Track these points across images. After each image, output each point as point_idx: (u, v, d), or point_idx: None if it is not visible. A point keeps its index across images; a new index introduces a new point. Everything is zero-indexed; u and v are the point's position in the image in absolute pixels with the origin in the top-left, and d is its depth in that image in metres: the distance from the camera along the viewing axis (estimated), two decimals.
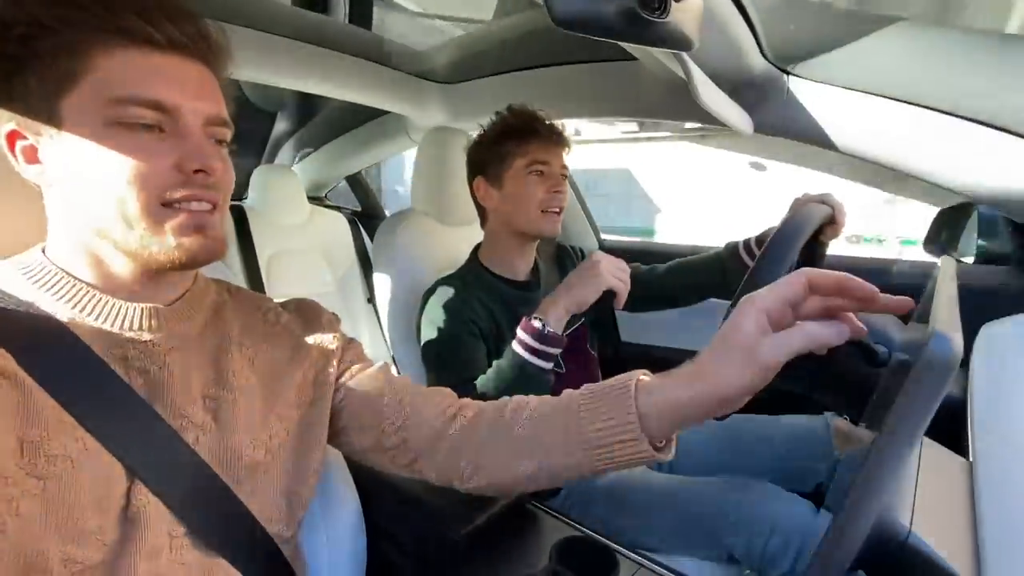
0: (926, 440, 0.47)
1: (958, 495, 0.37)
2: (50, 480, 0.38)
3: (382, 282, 1.08)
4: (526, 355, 0.70)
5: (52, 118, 0.41)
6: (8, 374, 0.39)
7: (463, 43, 1.27)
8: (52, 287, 0.44)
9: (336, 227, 1.89)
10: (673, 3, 0.43)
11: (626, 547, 0.65)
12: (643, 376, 0.44)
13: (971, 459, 0.42)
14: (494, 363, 0.74)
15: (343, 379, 0.57)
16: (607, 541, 0.67)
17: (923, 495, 0.35)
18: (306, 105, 1.93)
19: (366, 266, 1.93)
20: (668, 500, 0.76)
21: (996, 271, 0.93)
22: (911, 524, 0.32)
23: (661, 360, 1.36)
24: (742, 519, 0.68)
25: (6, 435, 0.37)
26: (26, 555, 0.37)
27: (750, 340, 0.35)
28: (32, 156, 0.43)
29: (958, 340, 0.24)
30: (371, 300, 1.96)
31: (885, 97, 0.80)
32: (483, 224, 1.01)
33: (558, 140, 0.92)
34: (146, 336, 0.45)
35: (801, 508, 0.69)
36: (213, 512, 0.46)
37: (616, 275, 0.75)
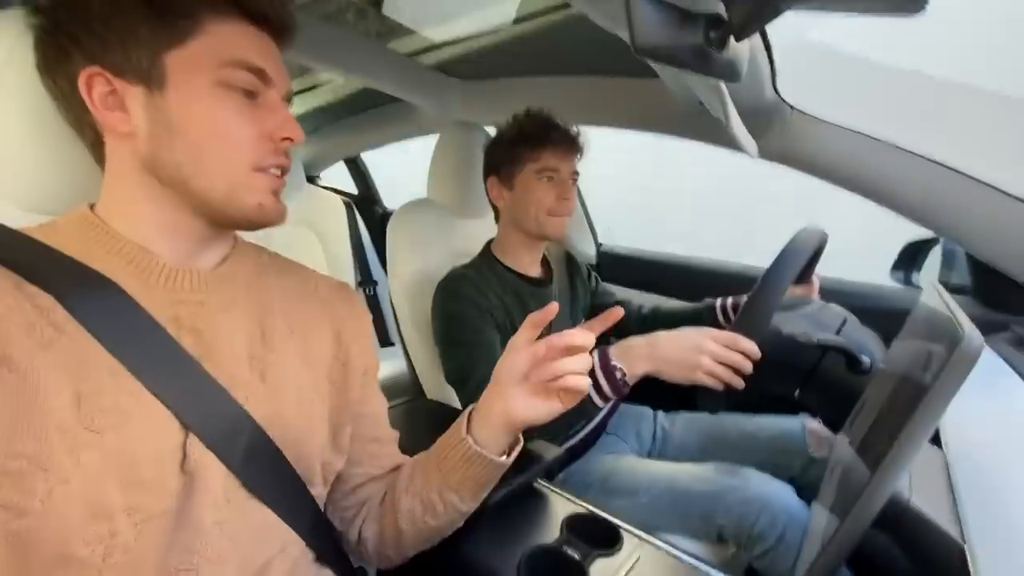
0: None
1: (937, 476, 0.45)
2: (106, 432, 0.39)
3: (396, 268, 1.10)
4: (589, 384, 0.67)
5: (155, 69, 0.42)
6: (62, 328, 0.39)
7: (486, 42, 1.31)
8: (105, 245, 0.44)
9: (332, 209, 1.88)
10: (732, 41, 0.50)
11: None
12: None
13: (944, 451, 0.51)
14: None
15: (361, 397, 0.59)
16: (611, 517, 0.73)
17: (913, 473, 0.43)
18: (309, 86, 1.91)
19: (359, 251, 1.93)
20: (663, 483, 0.83)
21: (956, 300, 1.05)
22: (911, 494, 0.40)
23: None
24: (734, 501, 0.76)
25: (63, 388, 0.38)
26: (91, 504, 0.37)
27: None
28: (114, 103, 0.43)
29: (979, 341, 0.31)
30: (361, 284, 1.96)
31: (879, 140, 0.90)
32: (497, 220, 1.05)
33: (571, 147, 0.95)
34: (197, 297, 0.47)
35: (787, 492, 0.77)
36: (264, 469, 0.47)
37: (714, 368, 0.65)
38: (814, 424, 0.96)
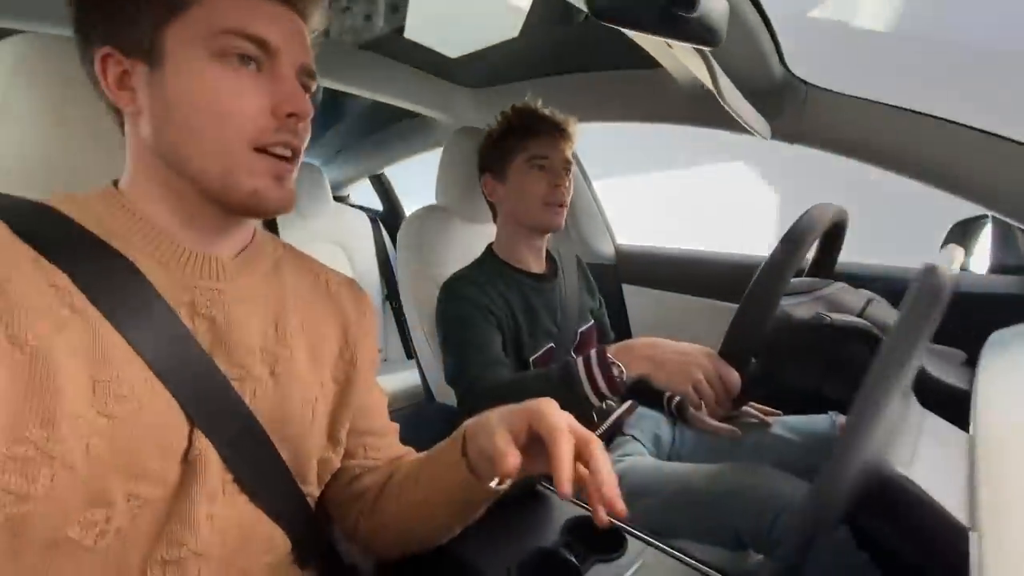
0: (930, 414, 0.49)
1: (958, 462, 0.39)
2: (118, 420, 0.38)
3: (406, 275, 1.11)
4: (584, 379, 0.67)
5: (155, 45, 0.40)
6: (79, 310, 0.38)
7: (494, 52, 1.32)
8: (125, 223, 0.43)
9: (358, 226, 1.94)
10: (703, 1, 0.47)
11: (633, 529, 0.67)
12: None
13: (972, 432, 0.44)
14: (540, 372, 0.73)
15: (362, 392, 0.58)
16: (615, 520, 0.69)
17: (926, 457, 0.38)
18: (332, 108, 2.00)
19: (384, 265, 1.98)
20: (676, 484, 0.78)
21: (1008, 280, 0.94)
22: (910, 474, 0.34)
23: None
24: (750, 500, 0.69)
25: (79, 374, 0.36)
26: (93, 491, 0.37)
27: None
28: (124, 82, 0.42)
29: (946, 271, 0.26)
30: (388, 298, 2.00)
31: (902, 108, 0.83)
32: (495, 219, 1.05)
33: (559, 135, 0.94)
34: (214, 285, 0.45)
35: (805, 490, 0.70)
36: (257, 465, 0.47)
37: (705, 389, 0.64)
38: (845, 420, 0.88)
